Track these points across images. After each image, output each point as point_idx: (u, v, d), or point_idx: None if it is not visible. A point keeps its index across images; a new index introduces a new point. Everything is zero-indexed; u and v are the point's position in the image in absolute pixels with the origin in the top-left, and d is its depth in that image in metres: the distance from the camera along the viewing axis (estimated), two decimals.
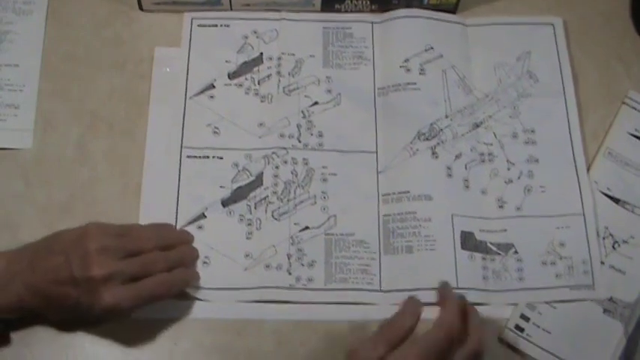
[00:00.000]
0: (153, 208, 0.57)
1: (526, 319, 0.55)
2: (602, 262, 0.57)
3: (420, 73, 0.62)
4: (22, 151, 0.58)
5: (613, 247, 0.57)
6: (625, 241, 0.58)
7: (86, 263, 0.49)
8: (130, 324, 0.53)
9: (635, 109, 0.62)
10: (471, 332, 0.47)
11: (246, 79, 0.62)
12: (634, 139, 0.61)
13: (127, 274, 0.50)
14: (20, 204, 0.56)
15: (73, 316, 0.51)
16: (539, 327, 0.55)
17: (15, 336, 0.53)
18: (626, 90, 0.63)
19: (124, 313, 0.51)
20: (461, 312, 0.47)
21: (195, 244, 0.56)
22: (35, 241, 0.51)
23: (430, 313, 0.54)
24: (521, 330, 0.54)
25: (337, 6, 0.64)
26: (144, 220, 0.56)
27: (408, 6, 0.64)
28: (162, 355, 0.53)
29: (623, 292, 0.56)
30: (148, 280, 0.51)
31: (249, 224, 0.57)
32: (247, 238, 0.56)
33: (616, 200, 0.59)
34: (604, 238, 0.58)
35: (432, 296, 0.54)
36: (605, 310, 0.55)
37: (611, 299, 0.56)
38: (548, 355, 0.54)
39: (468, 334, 0.47)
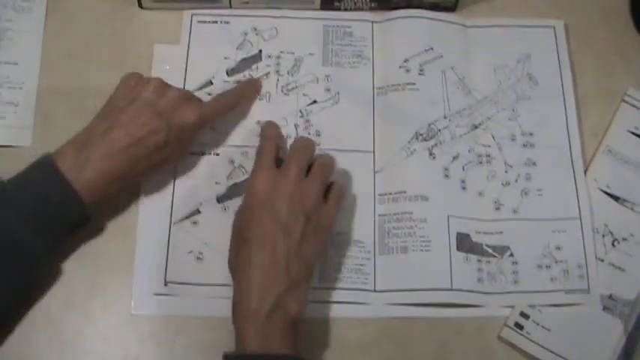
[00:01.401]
0: (150, 203, 0.57)
1: (525, 316, 0.55)
2: (602, 260, 0.57)
3: (419, 74, 0.61)
4: (22, 149, 0.58)
5: (612, 244, 0.57)
6: (624, 239, 0.58)
7: (160, 91, 0.53)
8: (129, 321, 0.54)
9: (635, 106, 0.62)
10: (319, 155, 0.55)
11: (244, 76, 0.62)
12: (633, 136, 0.61)
13: (191, 94, 0.56)
14: None
15: (160, 158, 0.53)
16: (538, 325, 0.55)
17: (15, 334, 0.53)
18: (626, 87, 0.63)
19: (205, 126, 0.55)
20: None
21: (189, 240, 0.56)
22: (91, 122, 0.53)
23: (428, 313, 0.56)
24: (521, 328, 0.55)
25: (337, 4, 0.64)
26: (143, 215, 0.57)
27: (408, 4, 0.63)
28: (162, 353, 0.54)
29: (623, 290, 0.56)
30: (218, 95, 0.58)
31: None
32: None
33: (615, 198, 0.59)
34: (603, 236, 0.58)
35: (427, 297, 0.55)
36: (604, 308, 0.56)
37: (610, 297, 0.56)
38: (548, 353, 0.54)
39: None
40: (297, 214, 0.50)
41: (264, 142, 0.55)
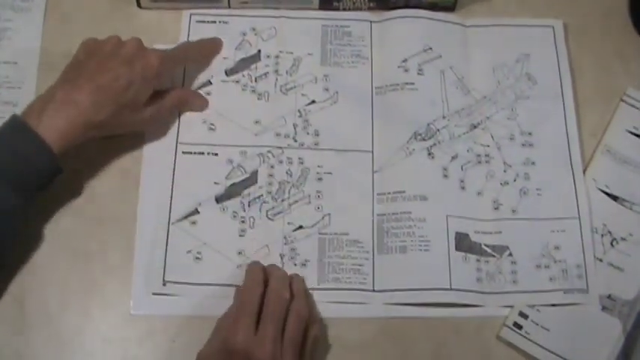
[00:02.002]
0: (149, 203, 0.57)
1: (524, 316, 0.55)
2: (601, 260, 0.57)
3: (418, 73, 0.61)
4: None
5: (611, 244, 0.57)
6: (623, 239, 0.58)
7: (120, 42, 0.55)
8: (128, 321, 0.54)
9: (634, 106, 0.62)
10: (295, 295, 0.53)
11: (243, 75, 0.62)
12: (632, 136, 0.61)
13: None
14: None
15: (126, 102, 0.54)
16: (537, 324, 0.55)
17: (14, 334, 0.53)
18: (625, 87, 0.63)
19: (168, 71, 0.57)
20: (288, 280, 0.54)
21: (188, 240, 0.56)
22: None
23: (427, 313, 0.55)
24: (520, 327, 0.55)
25: (335, 4, 0.64)
26: (142, 215, 0.57)
27: (406, 4, 0.63)
28: (161, 352, 0.54)
29: (622, 290, 0.56)
30: (179, 45, 0.61)
31: (243, 222, 0.57)
32: (240, 236, 0.57)
33: (614, 197, 0.59)
34: (602, 236, 0.58)
35: (426, 297, 0.55)
36: (603, 308, 0.55)
37: (609, 297, 0.56)
38: (547, 353, 0.54)
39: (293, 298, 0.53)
40: None
41: (250, 289, 0.52)
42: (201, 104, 0.61)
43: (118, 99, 0.53)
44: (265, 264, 0.55)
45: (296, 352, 0.49)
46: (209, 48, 0.62)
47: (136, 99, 0.55)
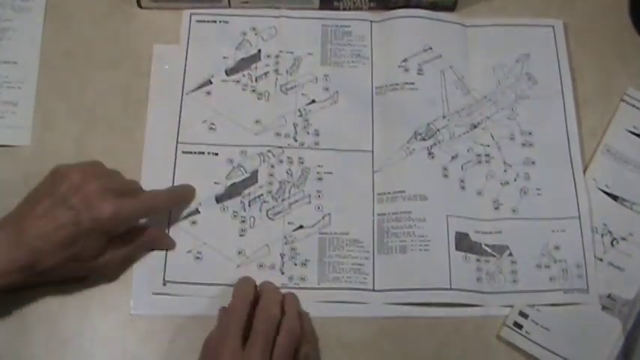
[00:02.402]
0: None
1: (524, 316, 0.55)
2: (601, 260, 0.57)
3: (418, 73, 0.61)
4: (21, 148, 0.58)
5: (612, 244, 0.57)
6: (624, 238, 0.58)
7: (77, 186, 0.50)
8: (128, 321, 0.54)
9: (634, 106, 0.62)
10: (287, 313, 0.51)
11: (243, 75, 0.62)
12: (632, 136, 0.61)
13: (120, 189, 0.52)
14: (18, 201, 0.56)
15: (71, 255, 0.50)
16: (537, 324, 0.55)
17: (13, 334, 0.53)
18: (625, 87, 0.63)
19: (123, 224, 0.52)
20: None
21: (188, 240, 0.56)
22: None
23: (427, 313, 0.55)
24: (520, 327, 0.55)
25: (336, 3, 0.64)
26: None
27: (407, 3, 0.63)
28: (160, 353, 0.54)
29: (622, 290, 0.56)
30: (146, 193, 0.55)
31: (243, 221, 0.57)
32: (240, 235, 0.57)
33: (614, 197, 0.59)
34: (603, 235, 0.58)
35: (426, 297, 0.55)
36: (603, 308, 0.55)
37: (609, 296, 0.56)
38: (547, 353, 0.54)
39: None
40: None
41: (236, 307, 0.51)
42: (169, 245, 0.56)
43: (60, 251, 0.50)
44: (266, 263, 0.56)
45: None
46: (180, 197, 0.57)
47: (81, 253, 0.51)
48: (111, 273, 0.55)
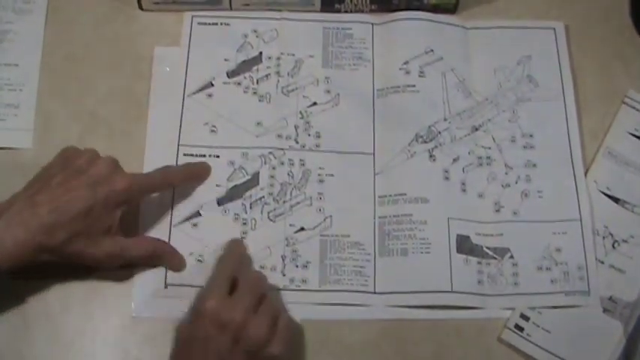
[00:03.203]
0: (150, 206, 0.57)
1: (526, 318, 0.55)
2: (602, 262, 0.57)
3: (419, 76, 0.61)
4: (22, 151, 0.59)
5: (613, 246, 0.57)
6: (625, 241, 0.58)
7: (91, 160, 0.51)
8: (130, 323, 0.54)
9: (635, 108, 0.62)
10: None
11: (244, 77, 0.62)
12: (634, 138, 0.61)
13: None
14: None
15: (83, 228, 0.50)
16: (538, 326, 0.55)
17: (16, 335, 0.53)
18: (626, 89, 0.63)
19: (137, 197, 0.53)
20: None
21: (189, 242, 0.56)
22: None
23: (428, 315, 0.55)
24: (521, 329, 0.55)
25: (337, 6, 0.64)
26: (144, 218, 0.57)
27: (408, 6, 0.63)
28: (162, 355, 0.53)
29: (623, 292, 0.56)
30: (160, 167, 0.55)
31: (244, 224, 0.57)
32: (242, 238, 0.57)
33: (616, 200, 0.59)
34: (604, 238, 0.58)
35: (427, 299, 0.55)
36: (605, 310, 0.55)
37: (611, 299, 0.56)
38: (548, 355, 0.54)
39: None
40: (239, 353, 0.48)
41: (225, 259, 0.53)
42: (178, 264, 0.55)
43: (73, 223, 0.49)
44: (267, 265, 0.56)
45: (270, 325, 0.48)
46: (196, 174, 0.58)
47: (92, 226, 0.50)
48: (110, 263, 0.53)
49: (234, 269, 0.52)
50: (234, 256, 0.54)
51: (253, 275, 0.53)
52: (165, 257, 0.55)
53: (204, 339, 0.47)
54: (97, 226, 0.51)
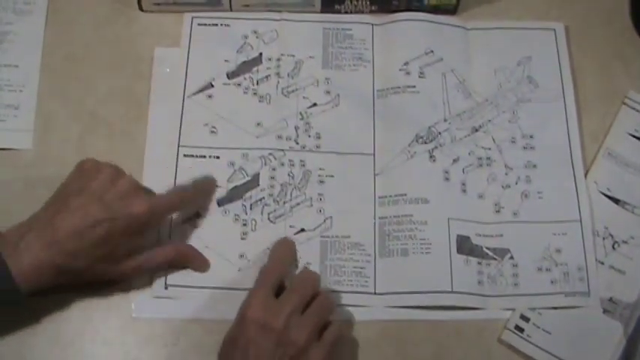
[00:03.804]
0: None
1: (526, 319, 0.55)
2: (602, 263, 0.57)
3: (419, 76, 0.61)
4: (22, 152, 0.59)
5: (613, 247, 0.57)
6: (625, 242, 0.58)
7: (110, 181, 0.50)
8: (129, 324, 0.54)
9: (635, 109, 0.62)
10: (321, 290, 0.52)
11: (244, 78, 0.62)
12: (634, 139, 0.61)
13: (146, 187, 0.53)
14: (20, 204, 0.56)
15: (103, 255, 0.49)
16: (539, 327, 0.55)
17: (15, 336, 0.53)
18: (626, 90, 0.63)
19: (157, 220, 0.52)
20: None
21: (190, 243, 0.56)
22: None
23: (428, 316, 0.55)
24: (521, 330, 0.55)
25: (337, 7, 0.64)
26: None
27: (408, 7, 0.63)
28: (162, 356, 0.54)
29: (623, 293, 0.56)
30: (174, 188, 0.56)
31: (245, 225, 0.57)
32: (242, 239, 0.57)
33: (616, 201, 0.59)
34: (604, 239, 0.58)
35: (427, 300, 0.55)
36: (605, 311, 0.55)
37: (611, 300, 0.56)
38: (548, 356, 0.54)
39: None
40: (282, 355, 0.47)
41: (272, 264, 0.53)
42: (201, 265, 0.55)
43: (94, 250, 0.49)
44: None
45: (314, 331, 0.48)
46: (204, 189, 0.57)
47: (113, 252, 0.50)
48: (135, 275, 0.53)
49: (282, 270, 0.52)
50: (283, 256, 0.54)
51: (303, 276, 0.53)
52: (189, 260, 0.55)
53: (247, 342, 0.47)
54: (118, 252, 0.51)
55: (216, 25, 0.64)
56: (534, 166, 0.60)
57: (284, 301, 0.49)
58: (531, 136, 0.61)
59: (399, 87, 0.61)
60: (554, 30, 0.64)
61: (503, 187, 0.59)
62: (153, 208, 0.51)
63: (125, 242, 0.51)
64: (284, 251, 0.55)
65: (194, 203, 0.57)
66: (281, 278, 0.51)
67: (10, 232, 0.49)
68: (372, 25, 0.64)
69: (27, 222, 0.50)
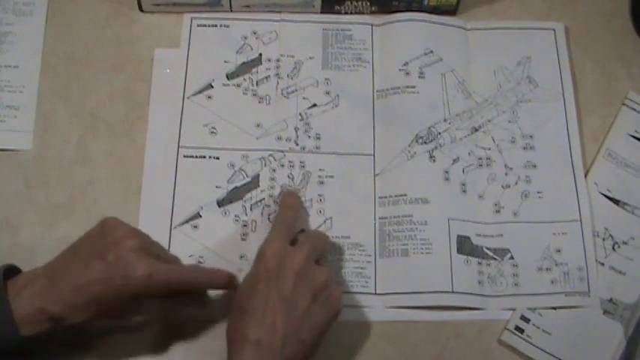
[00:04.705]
0: (151, 208, 0.57)
1: (526, 320, 0.55)
2: (602, 264, 0.57)
3: (419, 77, 0.61)
4: (22, 153, 0.59)
5: (613, 248, 0.57)
6: (625, 242, 0.58)
7: (120, 240, 0.48)
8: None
9: (635, 110, 0.62)
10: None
11: (244, 79, 0.62)
12: (634, 140, 0.61)
13: (160, 255, 0.51)
14: (20, 205, 0.57)
15: (98, 312, 0.48)
16: (539, 328, 0.55)
17: None
18: (626, 91, 0.63)
19: (157, 289, 0.49)
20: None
21: (190, 244, 0.56)
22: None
23: (429, 316, 0.55)
24: (521, 331, 0.55)
25: (337, 7, 0.64)
26: (143, 220, 0.56)
27: (408, 7, 0.63)
28: (162, 356, 0.54)
29: (623, 294, 0.56)
30: (187, 264, 0.55)
31: (245, 225, 0.57)
32: (242, 240, 0.57)
33: (616, 201, 0.59)
34: (604, 239, 0.58)
35: (427, 300, 0.55)
36: (605, 312, 0.56)
37: (611, 301, 0.56)
38: (548, 357, 0.54)
39: None
40: (304, 290, 0.48)
41: (283, 210, 0.54)
42: (219, 283, 0.53)
43: (90, 306, 0.48)
44: None
45: (331, 273, 0.50)
46: (222, 284, 0.53)
47: (111, 310, 0.49)
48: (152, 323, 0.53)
49: (294, 219, 0.53)
50: (292, 203, 0.55)
51: (314, 234, 0.56)
52: (204, 281, 0.53)
53: (267, 277, 0.48)
54: (116, 311, 0.50)
55: (216, 25, 0.64)
56: (534, 166, 0.60)
57: (300, 245, 0.51)
58: (531, 136, 0.61)
59: (399, 87, 0.61)
60: (554, 30, 0.64)
61: (503, 187, 0.59)
62: (151, 275, 0.48)
63: (122, 304, 0.49)
64: (292, 200, 0.56)
65: (203, 289, 0.54)
66: (294, 226, 0.53)
67: (22, 276, 0.49)
68: (372, 25, 0.64)
69: (37, 270, 0.49)
